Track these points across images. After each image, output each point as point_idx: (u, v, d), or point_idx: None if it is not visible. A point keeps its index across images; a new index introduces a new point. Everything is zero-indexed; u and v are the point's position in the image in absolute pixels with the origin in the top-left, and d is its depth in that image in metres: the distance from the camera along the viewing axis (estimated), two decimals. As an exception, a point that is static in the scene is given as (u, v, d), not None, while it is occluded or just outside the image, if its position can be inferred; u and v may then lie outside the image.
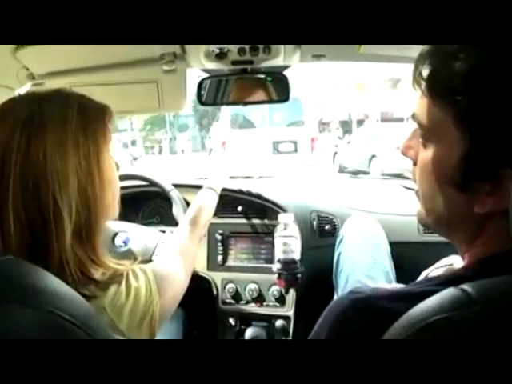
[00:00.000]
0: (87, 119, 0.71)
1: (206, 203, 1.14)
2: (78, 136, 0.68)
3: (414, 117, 0.55)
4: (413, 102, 0.55)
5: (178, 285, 0.84)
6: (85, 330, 0.48)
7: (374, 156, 8.07)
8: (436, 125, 0.50)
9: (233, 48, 1.10)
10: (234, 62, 1.17)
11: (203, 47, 1.10)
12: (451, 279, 0.50)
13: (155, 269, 0.79)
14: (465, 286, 0.35)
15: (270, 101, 1.34)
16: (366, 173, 7.78)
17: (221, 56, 1.12)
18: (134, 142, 23.38)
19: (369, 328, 0.46)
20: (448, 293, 0.36)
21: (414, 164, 0.58)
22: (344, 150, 9.48)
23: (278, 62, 1.20)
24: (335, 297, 1.30)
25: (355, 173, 7.53)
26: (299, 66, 1.32)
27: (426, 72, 0.51)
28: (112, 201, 0.75)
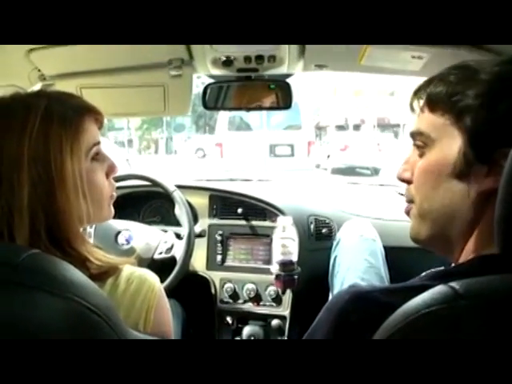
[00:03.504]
0: (51, 118, 0.68)
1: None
2: (37, 140, 0.67)
3: (413, 134, 0.63)
4: (410, 117, 0.63)
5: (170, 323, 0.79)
6: (106, 321, 0.52)
7: (329, 156, 11.62)
8: (436, 128, 0.59)
9: (239, 56, 1.14)
10: (239, 70, 1.21)
11: (210, 54, 1.13)
12: (445, 273, 0.55)
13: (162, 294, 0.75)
14: (453, 284, 0.40)
15: (273, 107, 1.38)
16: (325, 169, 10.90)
17: (227, 63, 1.16)
18: (130, 142, 23.28)
19: (367, 320, 0.50)
20: (438, 289, 0.40)
21: (409, 183, 0.65)
22: (319, 151, 11.98)
23: (282, 70, 1.24)
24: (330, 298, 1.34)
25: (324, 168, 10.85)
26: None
27: (423, 93, 0.62)
28: (81, 205, 0.70)
